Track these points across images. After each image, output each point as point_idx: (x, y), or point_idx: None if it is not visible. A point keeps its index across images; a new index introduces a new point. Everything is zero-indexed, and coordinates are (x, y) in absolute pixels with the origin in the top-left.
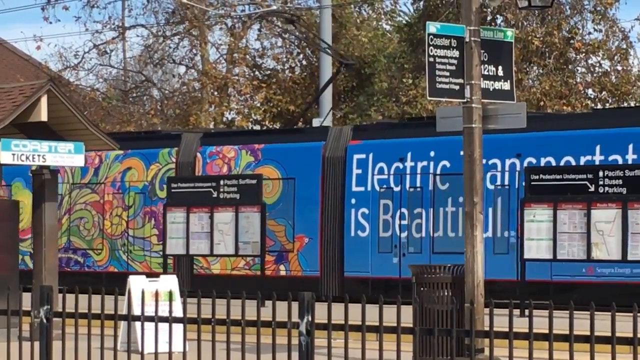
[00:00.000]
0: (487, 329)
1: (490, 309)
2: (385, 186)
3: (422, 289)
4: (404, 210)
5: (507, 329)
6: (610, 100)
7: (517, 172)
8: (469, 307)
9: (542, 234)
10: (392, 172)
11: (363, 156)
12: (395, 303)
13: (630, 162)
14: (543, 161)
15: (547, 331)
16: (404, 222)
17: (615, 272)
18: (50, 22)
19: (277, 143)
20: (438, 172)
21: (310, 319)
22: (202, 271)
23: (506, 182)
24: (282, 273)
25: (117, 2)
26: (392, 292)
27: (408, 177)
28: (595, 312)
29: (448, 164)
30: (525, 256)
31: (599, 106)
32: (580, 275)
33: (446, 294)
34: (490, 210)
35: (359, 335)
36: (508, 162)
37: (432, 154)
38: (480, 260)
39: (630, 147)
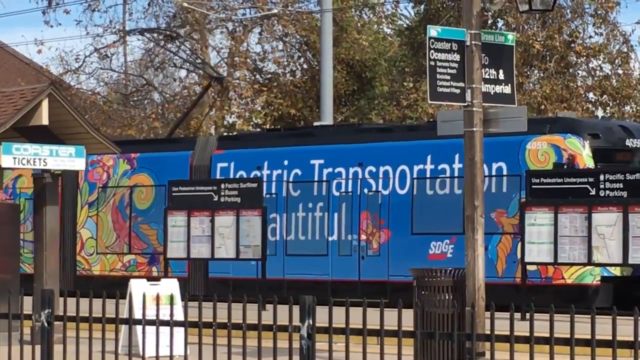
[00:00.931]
0: (488, 332)
1: (491, 313)
2: None
3: (423, 292)
4: None
5: (508, 333)
6: (611, 104)
7: (359, 180)
8: (469, 311)
9: (543, 237)
10: None
11: (226, 165)
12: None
13: (456, 170)
14: (382, 170)
15: (548, 335)
16: None
17: None
18: (51, 26)
19: (151, 152)
20: (291, 179)
21: (311, 322)
22: (84, 272)
23: (350, 189)
24: (155, 274)
25: (118, 5)
26: (252, 292)
27: (265, 184)
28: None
29: (299, 172)
30: (527, 259)
31: (600, 110)
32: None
33: (447, 297)
34: (335, 215)
35: (360, 339)
36: (352, 170)
37: (285, 162)
38: (481, 264)
39: (457, 156)
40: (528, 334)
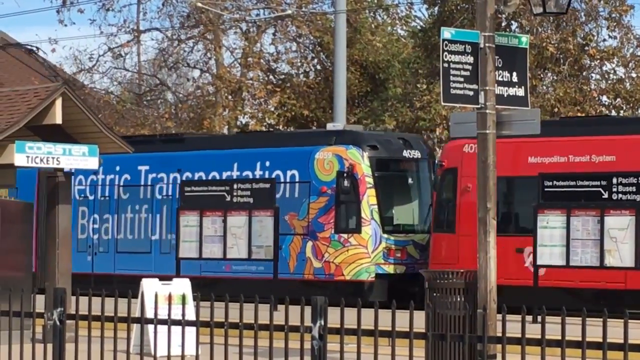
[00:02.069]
0: (499, 334)
1: (502, 315)
2: (83, 195)
3: (434, 294)
4: (96, 215)
5: (519, 335)
6: (624, 108)
7: (177, 184)
8: (481, 313)
9: (555, 240)
10: (88, 183)
11: None
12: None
13: (257, 176)
14: (197, 175)
15: (560, 337)
16: (96, 226)
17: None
18: (65, 25)
19: None
20: (121, 183)
21: (322, 323)
22: None
23: (169, 193)
24: None
25: (132, 5)
26: (86, 285)
27: (99, 187)
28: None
29: (129, 177)
30: (539, 262)
31: (614, 113)
32: (221, 272)
33: (459, 299)
34: (158, 216)
35: (371, 340)
36: (172, 175)
37: (117, 168)
38: (493, 266)
39: (258, 164)
40: (539, 337)
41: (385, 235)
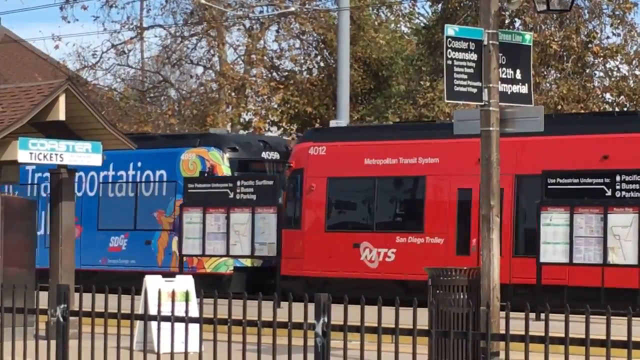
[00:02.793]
0: (502, 332)
1: (506, 312)
2: None
3: (438, 291)
4: None
5: (523, 332)
6: (628, 105)
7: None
8: (484, 310)
9: (558, 237)
10: None
11: None
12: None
13: (130, 177)
14: (77, 175)
15: (563, 335)
16: None
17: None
18: (69, 22)
19: None
20: None
21: (326, 320)
22: None
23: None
24: None
25: (136, 2)
26: None
27: None
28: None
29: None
30: (542, 260)
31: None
32: (99, 265)
33: (462, 296)
34: (43, 213)
35: (375, 337)
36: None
37: None
38: (496, 263)
39: (131, 165)
40: (543, 334)
41: None
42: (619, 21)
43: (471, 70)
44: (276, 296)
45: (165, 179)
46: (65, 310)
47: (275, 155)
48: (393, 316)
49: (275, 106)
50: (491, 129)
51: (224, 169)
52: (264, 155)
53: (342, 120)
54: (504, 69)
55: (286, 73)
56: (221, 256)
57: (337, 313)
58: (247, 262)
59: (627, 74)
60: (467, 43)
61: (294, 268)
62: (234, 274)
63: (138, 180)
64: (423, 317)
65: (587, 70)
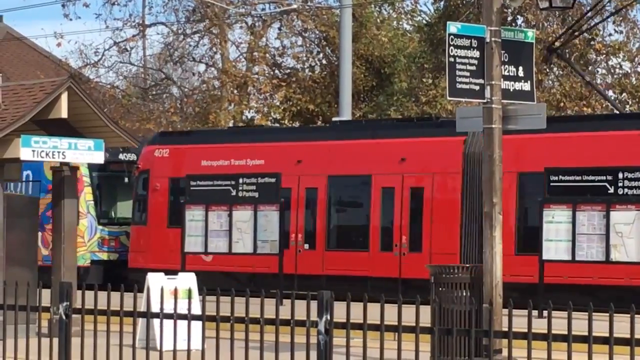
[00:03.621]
0: (505, 329)
1: (509, 310)
2: None
3: (440, 289)
4: None
5: (525, 330)
6: (630, 102)
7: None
8: (487, 308)
9: (561, 234)
10: None
11: None
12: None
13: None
14: None
15: (566, 332)
16: None
17: None
18: (71, 19)
19: None
20: None
21: (329, 317)
22: None
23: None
24: None
25: None
26: None
27: None
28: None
29: None
30: (544, 257)
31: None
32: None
33: (464, 294)
34: None
35: (377, 335)
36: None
37: None
38: (499, 261)
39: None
40: (546, 332)
41: (101, 227)
42: (621, 19)
43: (473, 68)
44: (278, 293)
45: (31, 179)
46: (68, 307)
47: (131, 157)
48: (396, 314)
49: (278, 104)
50: (494, 126)
51: (82, 170)
52: (121, 157)
53: (345, 117)
54: (506, 66)
55: (288, 70)
56: (222, 254)
57: (339, 311)
58: (104, 256)
59: (629, 71)
60: (470, 40)
61: (141, 261)
62: (92, 266)
63: None
64: (425, 314)
65: (590, 68)
